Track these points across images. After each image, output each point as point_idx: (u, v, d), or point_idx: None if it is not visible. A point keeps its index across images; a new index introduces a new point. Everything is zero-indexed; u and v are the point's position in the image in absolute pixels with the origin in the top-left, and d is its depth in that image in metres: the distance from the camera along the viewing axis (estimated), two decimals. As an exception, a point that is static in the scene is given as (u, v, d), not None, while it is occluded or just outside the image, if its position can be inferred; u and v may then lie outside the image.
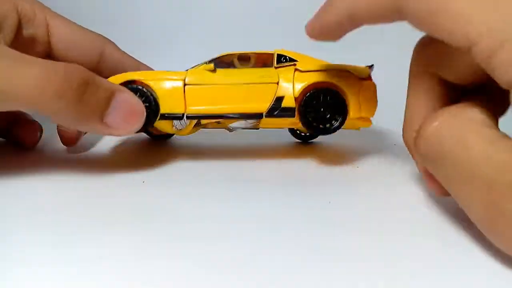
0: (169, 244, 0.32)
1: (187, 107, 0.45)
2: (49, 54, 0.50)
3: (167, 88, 0.45)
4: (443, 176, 0.32)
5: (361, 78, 0.46)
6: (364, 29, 0.35)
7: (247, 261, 0.30)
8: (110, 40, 0.55)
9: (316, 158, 0.50)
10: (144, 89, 0.44)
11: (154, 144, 0.57)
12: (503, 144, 0.29)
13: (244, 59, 0.48)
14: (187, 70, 0.46)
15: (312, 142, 0.55)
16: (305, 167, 0.48)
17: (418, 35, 0.35)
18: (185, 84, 0.45)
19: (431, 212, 0.37)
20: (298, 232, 0.34)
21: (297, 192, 0.42)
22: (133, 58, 0.56)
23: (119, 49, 0.55)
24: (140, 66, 0.55)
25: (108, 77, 0.51)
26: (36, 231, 0.35)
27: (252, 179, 0.44)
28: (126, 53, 0.55)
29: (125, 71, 0.52)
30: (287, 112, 0.45)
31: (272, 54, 0.47)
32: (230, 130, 0.49)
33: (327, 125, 0.45)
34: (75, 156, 0.51)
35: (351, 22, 0.34)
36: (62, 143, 0.51)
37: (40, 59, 0.40)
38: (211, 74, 0.46)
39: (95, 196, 0.41)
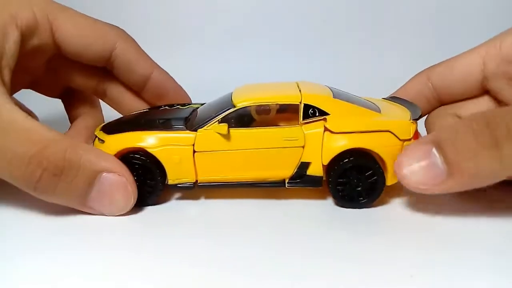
0: None
1: (198, 175, 0.39)
2: (58, 55, 0.45)
3: (174, 157, 0.38)
4: None
5: (404, 139, 0.38)
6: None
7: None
8: (127, 35, 0.47)
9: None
10: (147, 160, 0.38)
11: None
12: None
13: (263, 112, 0.40)
14: (196, 131, 0.39)
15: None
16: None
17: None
18: (194, 151, 0.38)
19: None
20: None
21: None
22: (150, 60, 0.48)
23: (135, 47, 0.47)
24: (154, 70, 0.48)
25: (118, 76, 0.47)
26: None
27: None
28: (143, 52, 0.48)
29: (135, 73, 0.47)
30: (313, 181, 0.39)
31: (298, 106, 0.39)
32: None
33: (361, 199, 0.38)
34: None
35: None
36: None
37: (23, 127, 0.35)
38: (224, 137, 0.38)
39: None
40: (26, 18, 0.40)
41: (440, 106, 0.45)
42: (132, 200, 0.37)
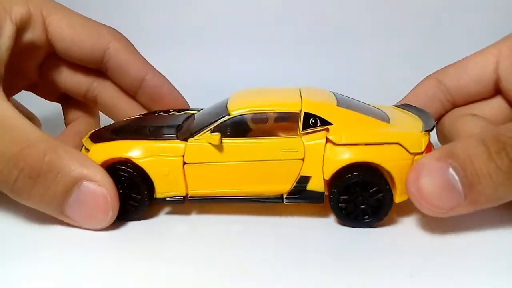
0: None
1: (189, 188, 0.36)
2: (50, 53, 0.44)
3: (163, 169, 0.35)
4: None
5: (415, 153, 0.35)
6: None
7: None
8: (121, 36, 0.46)
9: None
10: (134, 173, 0.35)
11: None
12: None
13: (259, 121, 0.37)
14: (187, 140, 0.36)
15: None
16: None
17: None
18: (184, 163, 0.35)
19: None
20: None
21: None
22: (145, 61, 0.47)
23: (129, 48, 0.46)
24: (149, 72, 0.46)
25: (112, 77, 0.46)
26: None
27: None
28: (138, 53, 0.47)
29: (129, 74, 0.45)
30: (313, 197, 0.35)
31: (298, 114, 0.35)
32: None
33: (366, 219, 0.35)
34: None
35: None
36: None
37: (10, 125, 0.34)
38: (216, 148, 0.35)
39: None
40: (21, 13, 0.40)
41: (453, 108, 0.43)
42: (110, 214, 0.34)
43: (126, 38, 0.46)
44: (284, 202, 0.36)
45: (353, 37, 0.73)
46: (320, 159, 0.35)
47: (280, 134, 0.36)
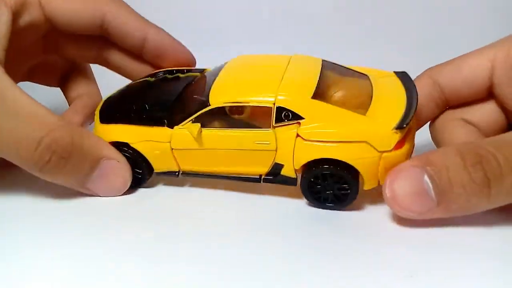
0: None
1: (180, 166, 0.41)
2: (51, 30, 0.46)
3: (155, 151, 0.40)
4: None
5: (383, 151, 0.35)
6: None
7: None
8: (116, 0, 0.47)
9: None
10: (133, 153, 0.40)
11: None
12: None
13: (236, 111, 0.38)
14: (173, 127, 0.39)
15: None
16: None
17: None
18: (172, 148, 0.40)
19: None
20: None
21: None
22: (144, 20, 0.48)
23: (126, 9, 0.47)
24: (150, 30, 0.47)
25: (115, 41, 0.48)
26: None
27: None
28: (135, 14, 0.48)
29: (131, 35, 0.47)
30: (288, 181, 0.38)
31: (270, 109, 0.36)
32: None
33: (331, 204, 0.38)
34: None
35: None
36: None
37: (30, 111, 0.37)
38: (197, 137, 0.38)
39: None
40: None
41: (446, 109, 0.42)
42: (128, 184, 0.41)
43: (123, 1, 0.46)
44: (262, 182, 0.39)
45: (352, 36, 0.76)
46: (291, 151, 0.37)
47: (256, 123, 0.38)
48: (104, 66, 0.51)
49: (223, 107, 0.38)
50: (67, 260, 0.32)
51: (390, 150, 0.35)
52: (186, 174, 0.41)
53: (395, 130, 0.35)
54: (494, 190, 0.32)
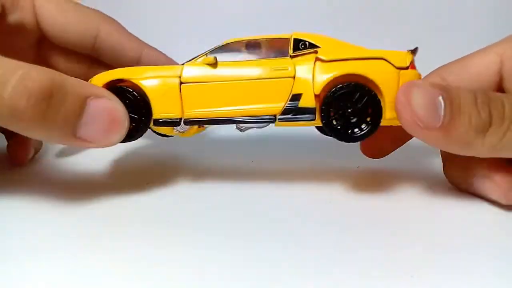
0: None
1: (185, 110, 0.37)
2: (40, 38, 0.45)
3: (160, 88, 0.37)
4: None
5: (400, 68, 0.37)
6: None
7: None
8: (110, 18, 0.47)
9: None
10: (133, 92, 0.37)
11: (156, 147, 0.51)
12: None
13: (253, 47, 0.39)
14: (183, 64, 0.38)
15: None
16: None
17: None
18: (181, 82, 0.37)
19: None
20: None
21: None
22: (138, 40, 0.48)
23: (120, 29, 0.47)
24: (144, 50, 0.48)
25: (107, 61, 0.46)
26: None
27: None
28: (129, 33, 0.48)
29: (124, 56, 0.46)
30: (306, 114, 0.36)
31: (288, 40, 0.38)
32: (241, 130, 0.41)
33: (356, 131, 0.36)
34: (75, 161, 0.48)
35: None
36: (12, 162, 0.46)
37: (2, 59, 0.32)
38: (212, 68, 0.37)
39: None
40: None
41: None
42: (125, 124, 0.35)
43: (116, 21, 0.48)
44: (277, 122, 0.37)
45: (355, 32, 0.70)
46: (310, 75, 0.36)
47: (272, 57, 0.38)
48: None
49: (237, 45, 0.38)
50: (67, 260, 0.30)
51: (407, 67, 0.36)
52: (189, 122, 0.37)
53: (408, 51, 0.37)
54: (492, 129, 0.33)
